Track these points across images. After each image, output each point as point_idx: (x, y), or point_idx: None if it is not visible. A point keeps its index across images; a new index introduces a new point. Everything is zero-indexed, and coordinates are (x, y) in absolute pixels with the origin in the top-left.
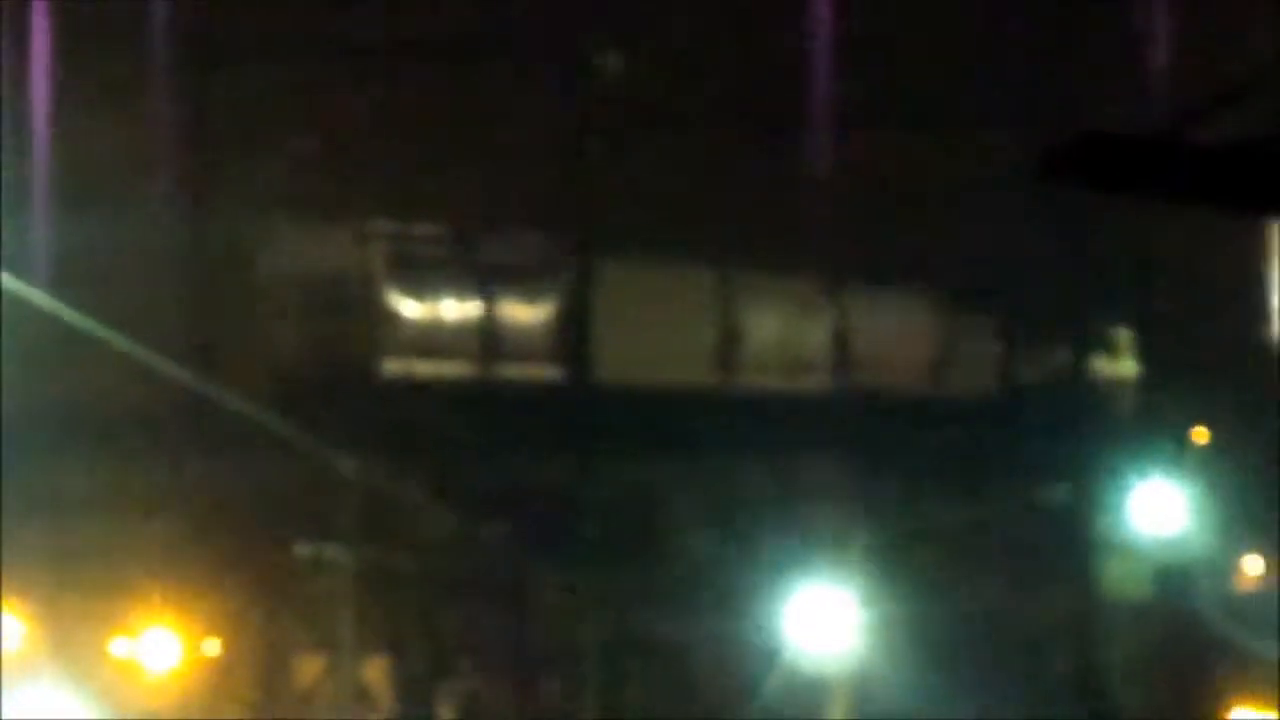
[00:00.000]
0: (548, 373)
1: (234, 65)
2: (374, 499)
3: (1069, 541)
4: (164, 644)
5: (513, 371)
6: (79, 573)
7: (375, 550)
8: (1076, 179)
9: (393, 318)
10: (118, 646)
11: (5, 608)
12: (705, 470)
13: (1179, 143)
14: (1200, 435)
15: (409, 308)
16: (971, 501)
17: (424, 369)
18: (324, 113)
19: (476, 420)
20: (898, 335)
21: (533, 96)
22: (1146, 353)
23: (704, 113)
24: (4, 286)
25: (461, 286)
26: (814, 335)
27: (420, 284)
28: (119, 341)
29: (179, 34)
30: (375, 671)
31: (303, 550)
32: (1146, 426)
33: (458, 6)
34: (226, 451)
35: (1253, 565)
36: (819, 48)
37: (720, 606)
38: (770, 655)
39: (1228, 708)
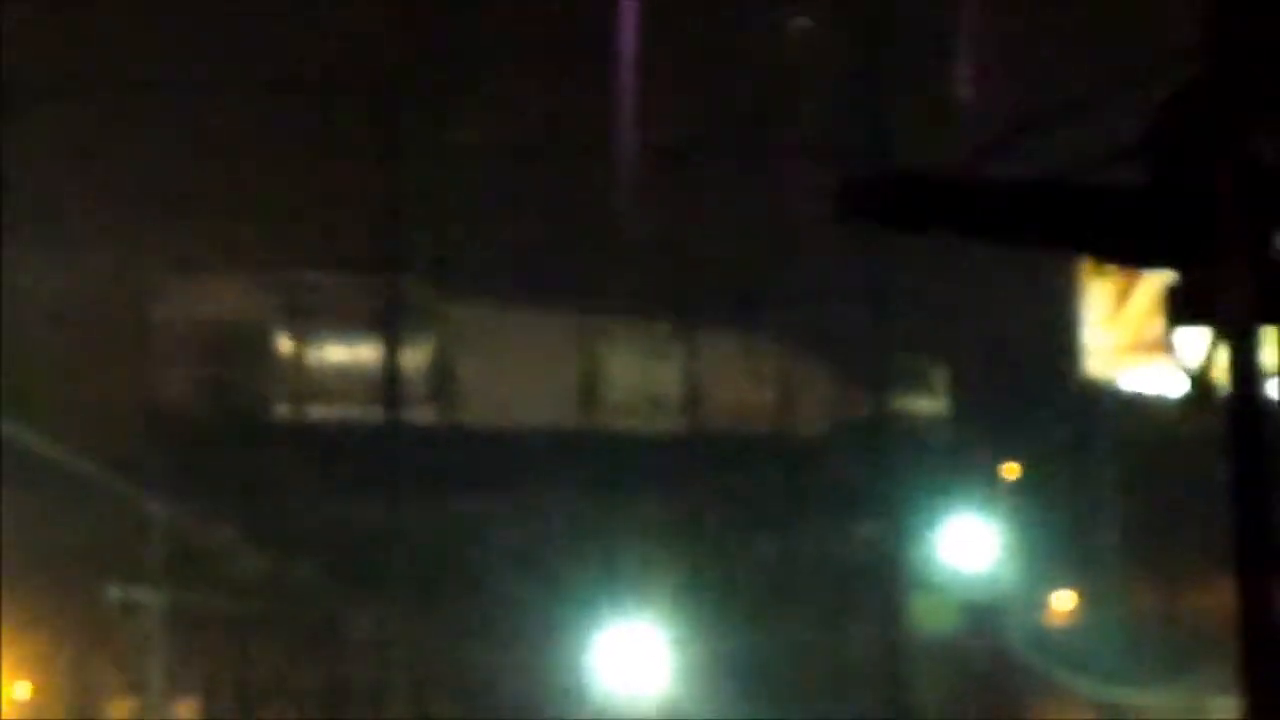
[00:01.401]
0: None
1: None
2: (184, 541)
3: (880, 577)
4: None
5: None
6: None
7: (185, 592)
8: (872, 216)
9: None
10: None
11: None
12: (519, 507)
13: (975, 180)
14: (1010, 471)
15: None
16: (784, 537)
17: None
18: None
19: (289, 460)
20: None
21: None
22: (957, 389)
23: (525, 149)
24: None
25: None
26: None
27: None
28: None
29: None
30: (186, 713)
31: (113, 593)
32: (957, 463)
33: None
34: (36, 494)
35: (1062, 600)
36: (645, 85)
37: (532, 644)
38: (581, 692)
39: None
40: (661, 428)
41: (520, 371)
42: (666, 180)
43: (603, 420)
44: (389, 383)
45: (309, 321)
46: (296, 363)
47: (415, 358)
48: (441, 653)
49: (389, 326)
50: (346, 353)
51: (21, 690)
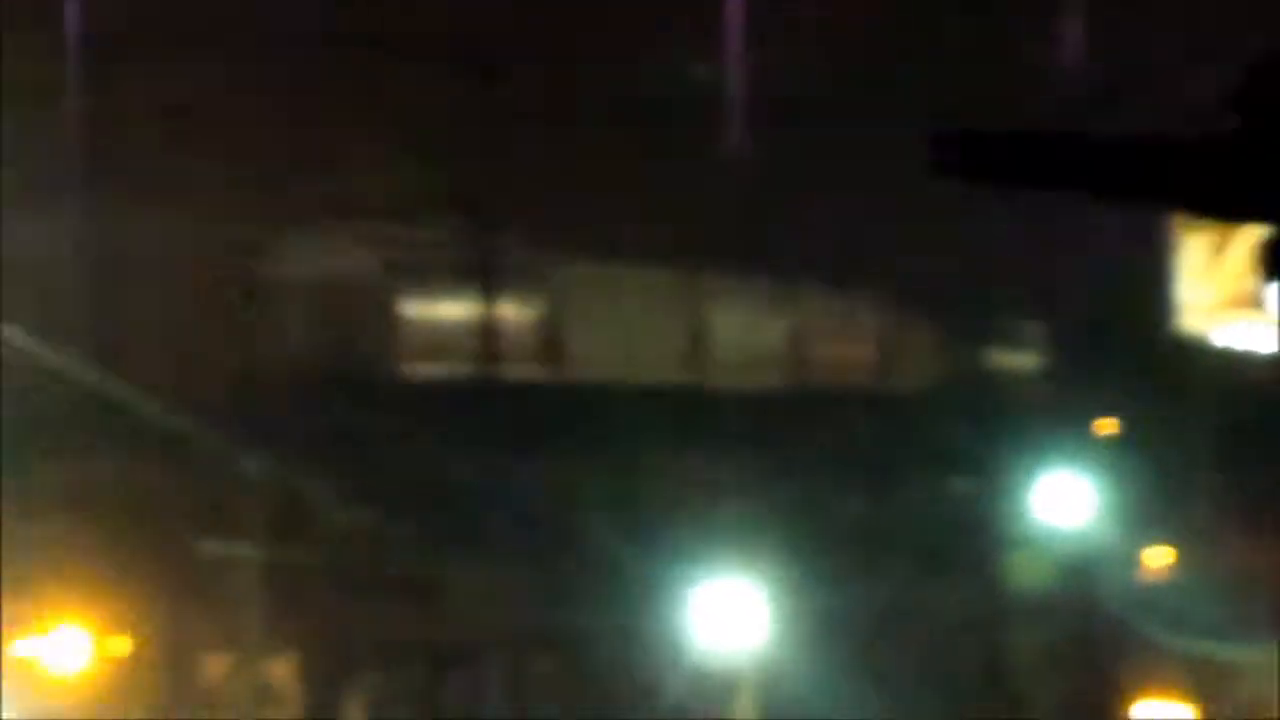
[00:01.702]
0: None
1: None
2: (281, 496)
3: (975, 534)
4: (71, 643)
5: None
6: None
7: (282, 548)
8: (964, 172)
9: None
10: (23, 646)
11: None
12: (615, 467)
13: (1067, 135)
14: (1105, 427)
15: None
16: (878, 496)
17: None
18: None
19: (389, 416)
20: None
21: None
22: (1051, 346)
23: (620, 112)
24: None
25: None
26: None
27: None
28: (25, 341)
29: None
30: (283, 669)
31: (209, 548)
32: (1052, 419)
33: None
34: (133, 450)
35: (1157, 557)
36: (737, 50)
37: (628, 602)
38: (678, 650)
39: (1134, 700)
40: (763, 384)
41: (626, 328)
42: (764, 139)
43: (707, 377)
44: (487, 339)
45: (416, 278)
46: (401, 319)
47: (522, 314)
48: (539, 610)
49: (488, 282)
50: (453, 309)
51: (119, 646)
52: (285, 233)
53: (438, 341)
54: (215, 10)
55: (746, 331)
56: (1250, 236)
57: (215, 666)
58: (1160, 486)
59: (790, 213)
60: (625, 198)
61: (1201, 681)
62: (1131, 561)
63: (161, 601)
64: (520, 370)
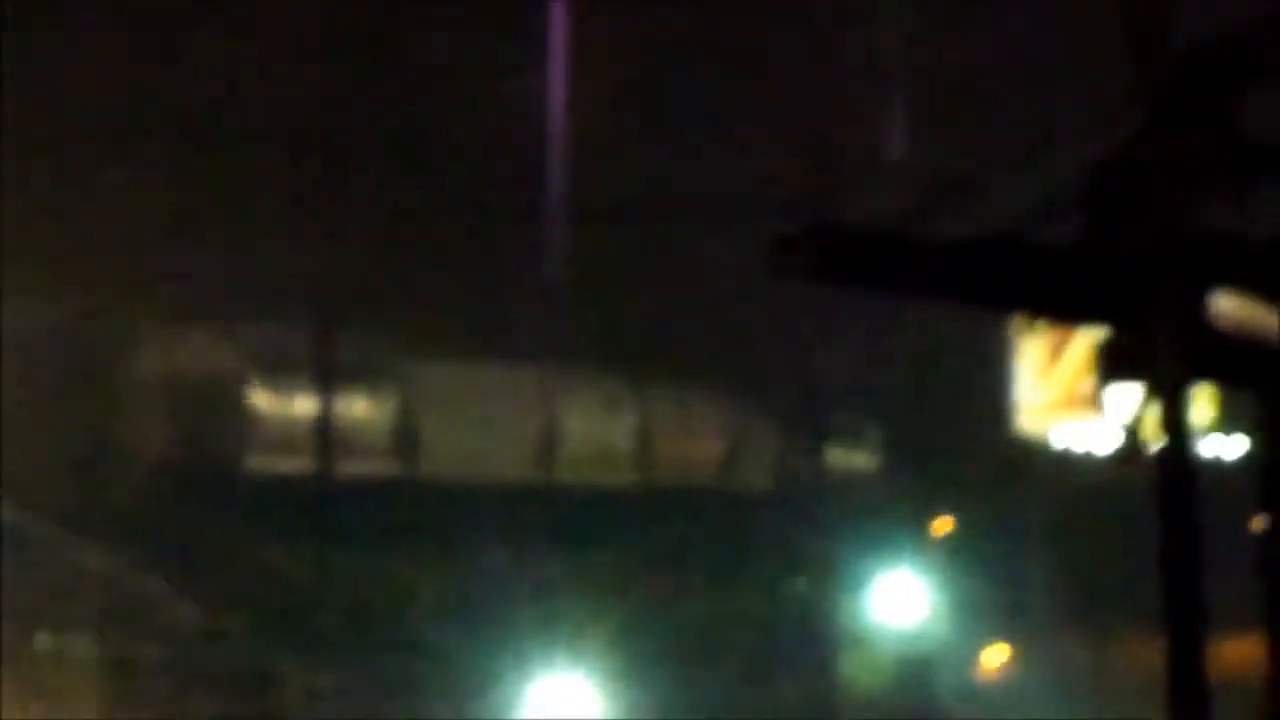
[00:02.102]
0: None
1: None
2: (118, 589)
3: (812, 633)
4: None
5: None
6: None
7: (120, 642)
8: (807, 271)
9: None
10: None
11: None
12: (453, 561)
13: (907, 237)
14: (941, 526)
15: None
16: (719, 591)
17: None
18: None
19: (233, 512)
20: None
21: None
22: (889, 445)
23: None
24: None
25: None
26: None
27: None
28: None
29: None
30: None
31: (46, 642)
32: (889, 518)
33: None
34: None
35: (993, 655)
36: (559, 145)
37: (465, 697)
38: None
39: None
40: (608, 481)
41: (477, 426)
42: (610, 238)
43: (555, 474)
44: (323, 435)
45: (271, 375)
46: (255, 415)
47: (374, 412)
48: (376, 706)
49: (328, 380)
50: (306, 406)
51: None
52: (139, 328)
53: (290, 438)
54: (54, 103)
55: (595, 429)
56: (1089, 338)
57: None
58: (996, 586)
59: (638, 309)
60: (475, 295)
61: None
62: (968, 661)
63: None
64: (370, 467)
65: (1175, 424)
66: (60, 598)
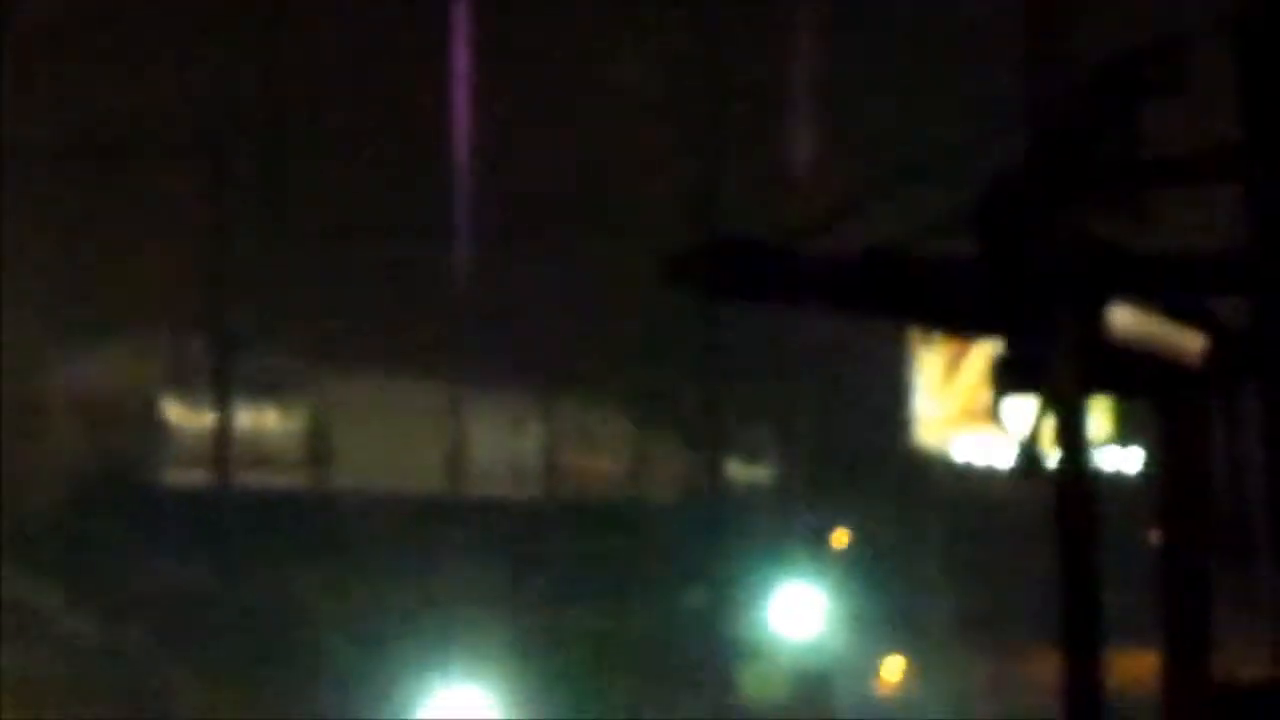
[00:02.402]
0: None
1: None
2: (13, 605)
3: (709, 645)
4: None
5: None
6: None
7: (13, 655)
8: (701, 284)
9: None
10: None
11: None
12: (355, 573)
13: (805, 248)
14: (840, 538)
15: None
16: (613, 605)
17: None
18: None
19: (130, 524)
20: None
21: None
22: (788, 458)
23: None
24: None
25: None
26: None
27: None
28: None
29: None
30: None
31: None
32: (787, 531)
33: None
34: None
35: (891, 668)
36: (470, 154)
37: (359, 710)
38: None
39: None
40: (512, 495)
41: (387, 438)
42: (506, 252)
43: (459, 487)
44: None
45: (179, 388)
46: (160, 428)
47: (285, 424)
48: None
49: (235, 393)
50: (214, 419)
51: None
52: (48, 343)
53: (200, 450)
54: None
55: (500, 443)
56: (985, 351)
57: None
58: (894, 598)
59: (541, 323)
60: (384, 309)
61: None
62: (866, 673)
63: None
64: (280, 478)
65: (1071, 437)
66: None
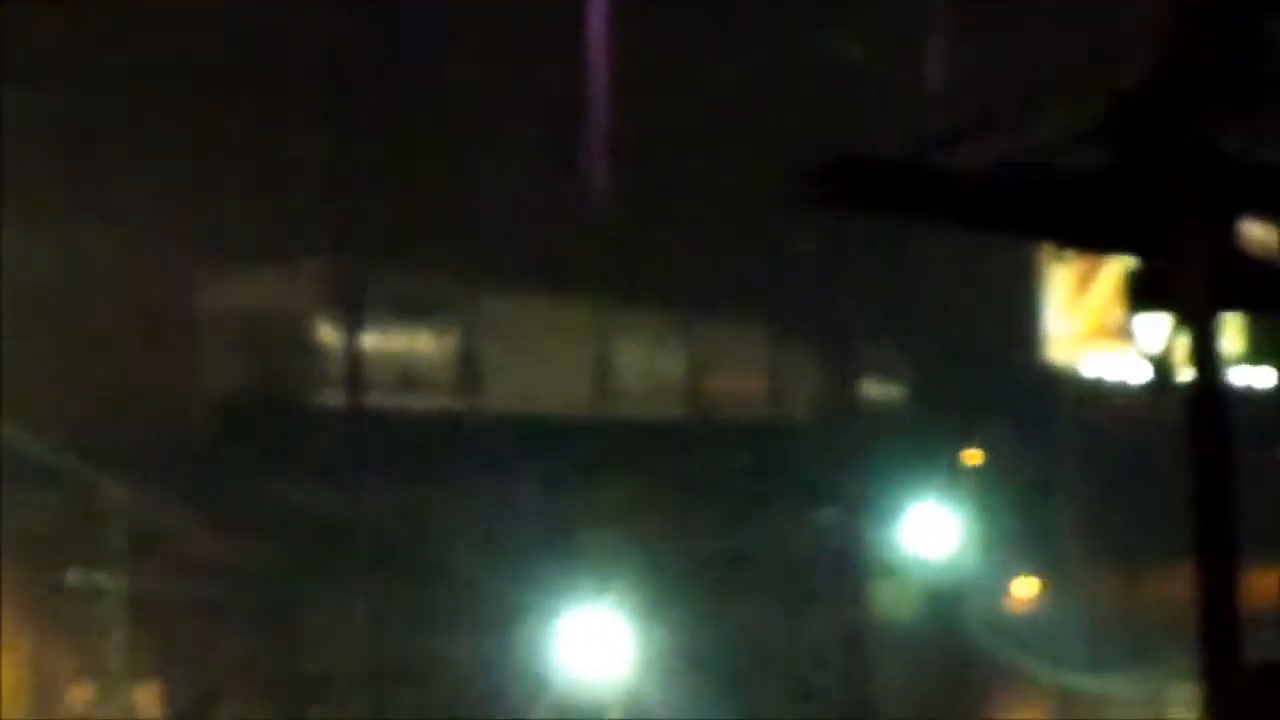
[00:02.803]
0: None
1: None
2: (144, 524)
3: (841, 565)
4: None
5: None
6: None
7: (145, 576)
8: (834, 201)
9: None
10: None
11: None
12: (478, 495)
13: (939, 166)
14: (972, 458)
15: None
16: (744, 526)
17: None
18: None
19: (251, 444)
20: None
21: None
22: (920, 376)
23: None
24: None
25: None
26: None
27: None
28: None
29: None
30: (146, 698)
31: (72, 577)
32: (919, 450)
33: None
34: None
35: (1023, 587)
36: (590, 80)
37: (492, 631)
38: (542, 680)
39: None
40: (645, 415)
41: (530, 361)
42: (644, 173)
43: (593, 407)
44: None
45: (330, 311)
46: (311, 350)
47: (431, 346)
48: (402, 641)
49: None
50: (373, 341)
51: None
52: (209, 265)
53: (339, 372)
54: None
55: (636, 363)
56: (1117, 268)
57: (78, 696)
58: (1027, 517)
59: (676, 245)
60: (527, 229)
61: (1067, 713)
62: (998, 592)
63: (24, 630)
64: (420, 400)
65: (1205, 354)
66: (88, 533)
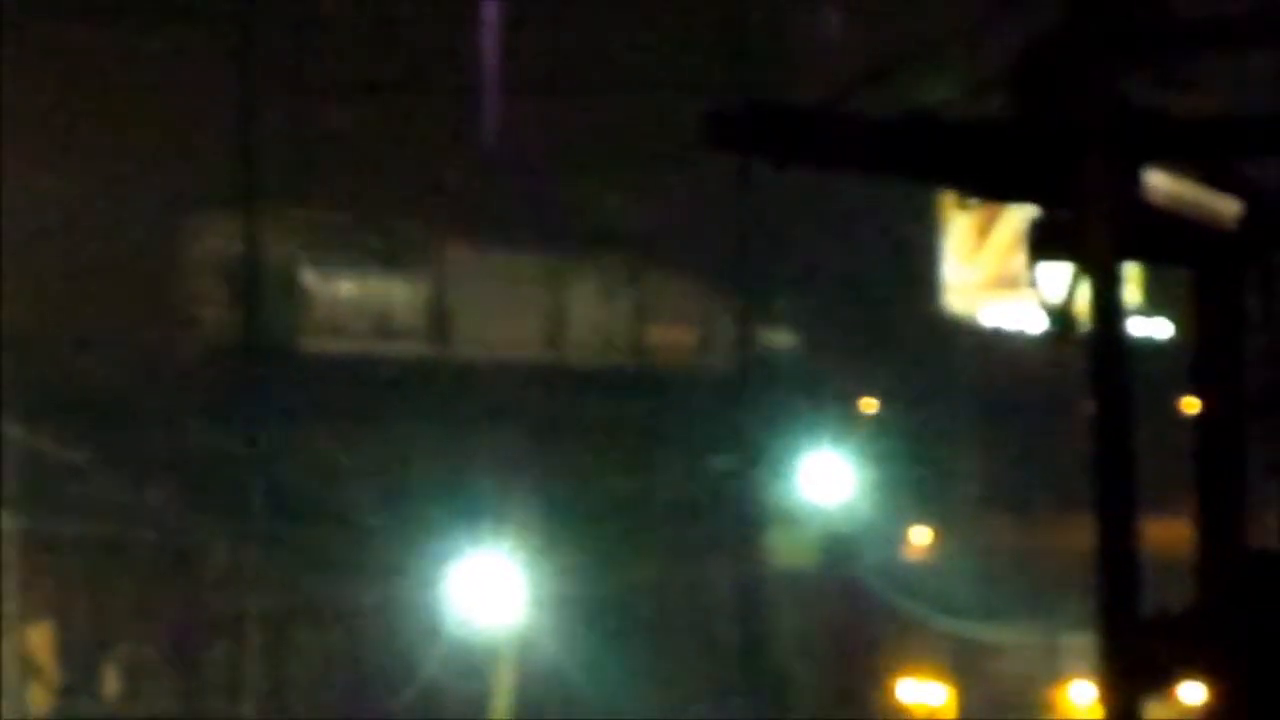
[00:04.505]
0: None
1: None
2: (41, 465)
3: (738, 512)
4: None
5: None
6: None
7: (40, 515)
8: (740, 146)
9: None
10: None
11: None
12: (377, 438)
13: (840, 113)
14: (868, 406)
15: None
16: (640, 472)
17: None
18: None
19: (150, 385)
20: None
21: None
22: (816, 323)
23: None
24: None
25: None
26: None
27: None
28: None
29: None
30: (40, 639)
31: None
32: (816, 397)
33: None
34: None
35: (919, 536)
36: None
37: (388, 574)
38: (437, 624)
39: (894, 679)
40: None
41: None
42: (534, 114)
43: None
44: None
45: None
46: (294, 297)
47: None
48: (297, 583)
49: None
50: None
51: None
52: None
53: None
54: None
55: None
56: (1017, 216)
57: None
58: (923, 465)
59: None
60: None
61: (961, 661)
62: (894, 540)
63: None
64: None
65: (1107, 304)
66: None
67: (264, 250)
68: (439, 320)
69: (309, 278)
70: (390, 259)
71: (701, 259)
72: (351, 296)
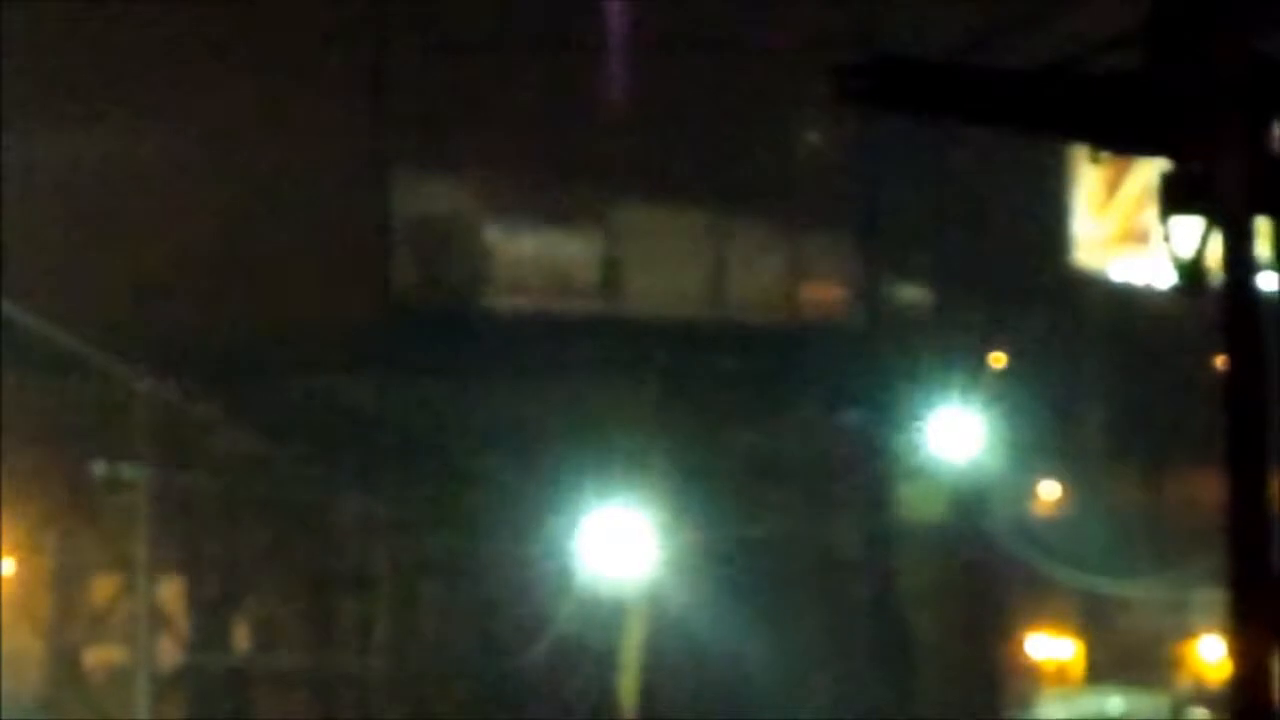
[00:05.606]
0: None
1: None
2: (173, 418)
3: (866, 467)
4: None
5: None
6: None
7: (173, 470)
8: (870, 100)
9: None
10: None
11: None
12: (506, 394)
13: (970, 66)
14: (997, 361)
15: None
16: (770, 427)
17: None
18: None
19: (282, 342)
20: (682, 260)
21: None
22: (947, 279)
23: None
24: None
25: None
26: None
27: None
28: None
29: None
30: (171, 592)
31: (99, 469)
32: (943, 352)
33: None
34: (26, 371)
35: (1048, 490)
36: None
37: (517, 530)
38: (567, 579)
39: (1022, 633)
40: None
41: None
42: (663, 72)
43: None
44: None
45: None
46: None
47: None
48: (430, 538)
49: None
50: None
51: (6, 566)
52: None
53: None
54: None
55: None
56: (1147, 169)
57: (103, 588)
58: (1052, 420)
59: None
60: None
61: (1089, 617)
62: (1023, 495)
63: (50, 522)
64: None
65: (1240, 257)
66: (117, 426)
67: (444, 207)
68: (610, 275)
69: (490, 234)
70: (563, 218)
71: (841, 215)
72: (528, 254)
